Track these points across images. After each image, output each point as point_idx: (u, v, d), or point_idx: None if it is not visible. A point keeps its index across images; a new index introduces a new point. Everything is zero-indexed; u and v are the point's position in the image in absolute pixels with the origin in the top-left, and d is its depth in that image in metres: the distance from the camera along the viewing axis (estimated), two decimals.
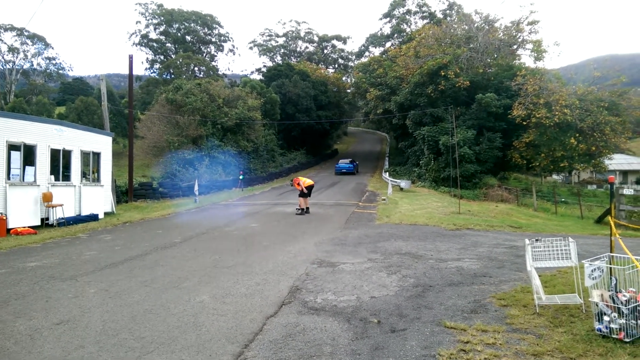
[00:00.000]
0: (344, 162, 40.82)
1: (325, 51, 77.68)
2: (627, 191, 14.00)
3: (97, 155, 15.65)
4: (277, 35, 76.01)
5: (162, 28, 64.19)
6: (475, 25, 37.07)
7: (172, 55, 63.31)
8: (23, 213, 11.92)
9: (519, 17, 37.42)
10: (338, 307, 5.02)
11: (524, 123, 29.23)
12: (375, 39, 64.46)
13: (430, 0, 61.35)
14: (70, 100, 58.93)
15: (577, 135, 28.30)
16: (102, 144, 16.02)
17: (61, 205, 12.87)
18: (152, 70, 65.74)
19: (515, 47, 37.94)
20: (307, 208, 15.95)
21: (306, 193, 15.95)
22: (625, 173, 48.95)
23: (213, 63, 66.63)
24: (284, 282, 6.14)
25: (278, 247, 9.02)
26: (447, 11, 58.82)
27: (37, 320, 4.66)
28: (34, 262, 7.67)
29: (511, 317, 4.53)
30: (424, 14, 60.36)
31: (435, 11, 60.06)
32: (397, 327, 4.37)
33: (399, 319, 4.61)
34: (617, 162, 43.72)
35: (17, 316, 4.78)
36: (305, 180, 16.25)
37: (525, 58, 40.09)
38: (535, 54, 36.31)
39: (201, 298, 5.39)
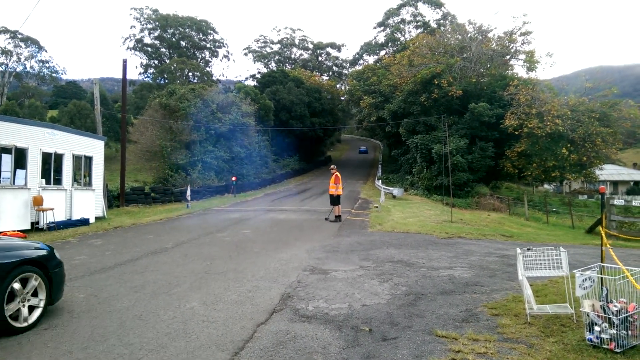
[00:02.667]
0: (362, 147, 69.40)
1: (320, 58, 78.16)
2: (618, 202, 14.10)
3: (89, 160, 15.54)
4: (272, 42, 76.47)
5: (156, 33, 64.21)
6: (469, 35, 37.41)
7: (167, 60, 63.32)
8: (13, 216, 11.79)
9: (512, 28, 37.89)
10: (329, 315, 5.00)
11: (516, 133, 29.47)
12: (369, 47, 64.99)
13: (424, 10, 61.81)
14: (63, 103, 58.66)
15: (569, 145, 28.57)
16: (94, 148, 15.93)
17: (52, 209, 12.75)
18: (146, 75, 65.73)
19: (508, 57, 38.30)
20: (337, 216, 15.07)
21: (336, 200, 15.20)
22: (615, 183, 49.42)
23: (207, 68, 66.75)
24: (275, 289, 6.11)
25: (270, 253, 8.98)
26: (441, 21, 59.46)
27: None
28: None
29: (502, 326, 4.53)
30: (418, 24, 60.97)
31: (429, 21, 60.71)
32: (388, 335, 4.36)
33: (391, 327, 4.59)
34: (608, 172, 44.19)
35: None
36: (340, 187, 15.30)
37: (518, 68, 40.51)
38: (528, 65, 36.69)
39: (191, 304, 5.35)
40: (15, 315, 4.37)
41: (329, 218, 15.32)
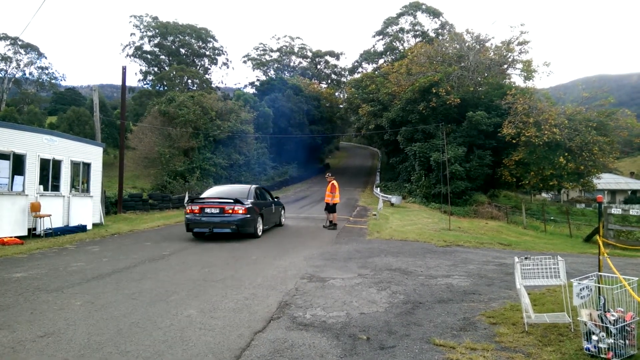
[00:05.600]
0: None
1: (319, 66, 78.36)
2: (615, 210, 14.12)
3: (87, 166, 15.53)
4: (271, 50, 76.71)
5: (156, 40, 64.39)
6: (467, 44, 37.66)
7: (166, 68, 63.44)
8: (10, 223, 11.75)
9: (510, 38, 38.15)
10: (327, 323, 4.99)
11: (514, 141, 29.58)
12: (368, 56, 65.22)
13: (423, 19, 62.13)
14: (62, 110, 58.71)
15: (566, 154, 28.66)
16: (92, 154, 15.92)
17: (49, 215, 12.72)
18: (145, 82, 65.81)
19: (505, 66, 38.55)
20: (331, 222, 15.18)
21: (332, 208, 15.23)
22: (613, 192, 49.51)
23: (207, 76, 66.90)
24: (273, 297, 6.09)
25: (268, 261, 8.96)
26: (439, 30, 59.78)
27: (21, 332, 4.58)
28: (20, 272, 7.54)
29: (500, 335, 4.53)
30: (417, 33, 61.28)
31: (427, 30, 61.03)
32: (386, 344, 4.35)
33: (388, 335, 4.58)
34: (605, 181, 44.31)
35: (0, 328, 4.69)
36: (337, 195, 15.31)
37: (516, 77, 40.78)
38: (525, 74, 36.93)
39: (189, 312, 5.33)
40: (280, 221, 15.82)
41: (326, 225, 15.33)
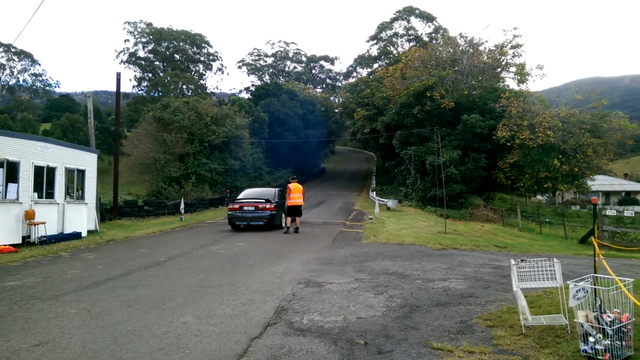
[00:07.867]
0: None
1: (314, 71, 78.67)
2: (610, 212, 14.21)
3: (81, 173, 15.46)
4: (266, 55, 76.95)
5: (151, 46, 64.37)
6: (460, 48, 37.79)
7: (161, 74, 63.38)
8: (4, 231, 11.65)
9: (503, 41, 38.22)
10: (324, 328, 4.97)
11: (508, 144, 29.69)
12: (362, 60, 65.46)
13: (416, 24, 62.40)
14: (56, 117, 58.40)
15: (560, 156, 28.79)
16: (87, 161, 15.85)
17: (43, 223, 12.63)
18: (139, 88, 65.70)
19: (499, 70, 38.69)
20: (288, 227, 15.34)
21: (289, 211, 15.50)
22: (607, 194, 49.75)
23: (201, 81, 66.84)
24: (269, 303, 6.07)
25: (264, 266, 8.93)
26: (433, 34, 60.08)
27: (15, 341, 4.53)
28: (14, 281, 7.48)
29: (497, 337, 4.53)
30: (411, 37, 61.55)
31: (421, 34, 61.31)
32: (383, 348, 4.34)
33: (386, 340, 4.57)
34: (599, 183, 44.52)
35: None
36: (293, 197, 15.31)
37: (509, 81, 40.87)
38: (519, 77, 37.05)
39: (185, 319, 5.30)
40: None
41: (285, 230, 15.48)
